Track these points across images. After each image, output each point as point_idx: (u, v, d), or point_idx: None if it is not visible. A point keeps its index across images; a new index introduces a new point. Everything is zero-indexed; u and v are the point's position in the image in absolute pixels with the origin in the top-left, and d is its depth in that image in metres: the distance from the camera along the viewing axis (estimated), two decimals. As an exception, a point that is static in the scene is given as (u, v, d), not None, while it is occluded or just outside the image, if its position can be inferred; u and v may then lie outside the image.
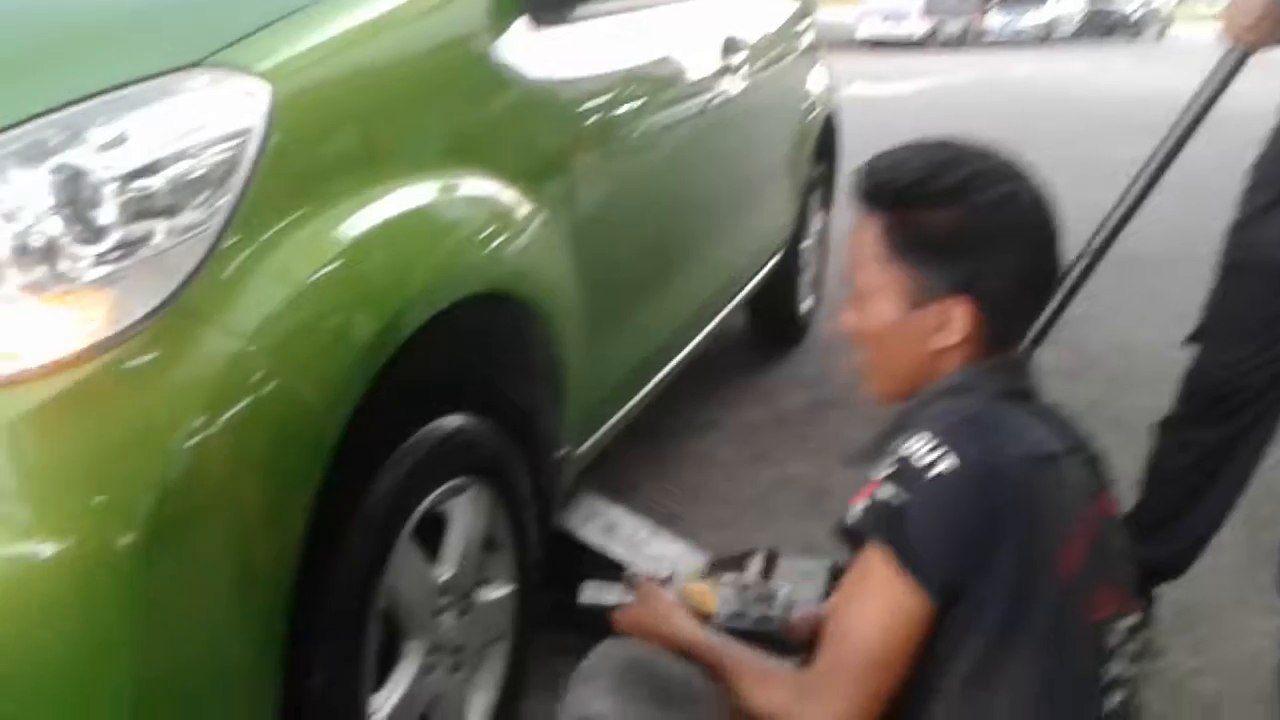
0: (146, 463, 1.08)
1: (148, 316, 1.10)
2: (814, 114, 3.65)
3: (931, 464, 1.06)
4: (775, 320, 3.78)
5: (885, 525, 1.07)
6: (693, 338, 2.69)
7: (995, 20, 27.67)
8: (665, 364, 2.50)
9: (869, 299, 1.19)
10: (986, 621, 1.07)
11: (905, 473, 1.07)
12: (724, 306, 2.95)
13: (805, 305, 3.88)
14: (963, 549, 1.05)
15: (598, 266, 1.92)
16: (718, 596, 1.47)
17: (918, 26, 24.45)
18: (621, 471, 2.73)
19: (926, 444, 1.07)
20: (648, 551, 2.01)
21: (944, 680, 1.09)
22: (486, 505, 1.62)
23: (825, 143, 3.80)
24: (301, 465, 1.23)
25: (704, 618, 1.42)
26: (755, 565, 2.04)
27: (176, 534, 1.10)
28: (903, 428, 1.13)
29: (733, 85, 2.69)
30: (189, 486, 1.10)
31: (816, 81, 3.70)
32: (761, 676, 1.20)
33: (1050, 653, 1.08)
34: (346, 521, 1.34)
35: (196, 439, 1.11)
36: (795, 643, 1.47)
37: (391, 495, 1.39)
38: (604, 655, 1.19)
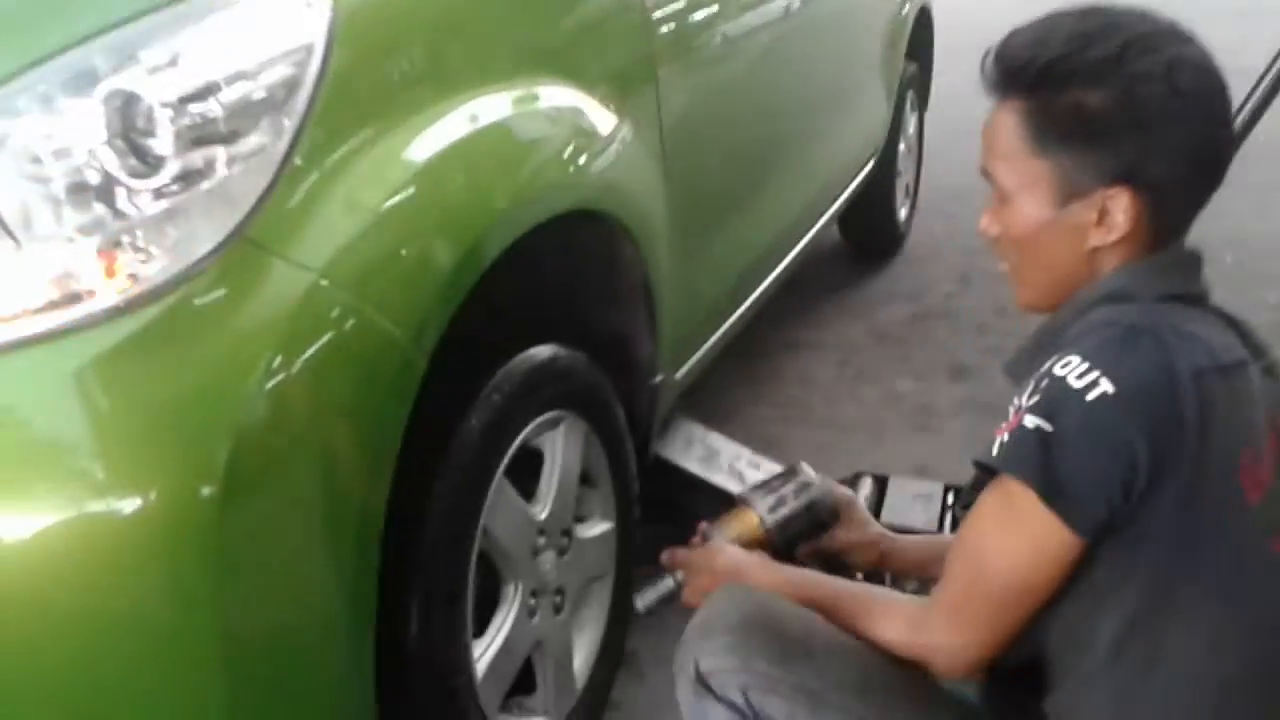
0: (222, 409, 1.01)
1: (213, 252, 1.02)
2: (906, 9, 3.45)
3: (1085, 389, 0.93)
4: (871, 230, 3.63)
5: (1032, 459, 0.94)
6: (789, 251, 2.57)
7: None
8: (762, 281, 2.39)
9: (1012, 198, 1.06)
10: (1152, 556, 0.95)
11: (1055, 399, 0.94)
12: (820, 217, 2.81)
13: (902, 213, 3.71)
14: (1121, 483, 0.93)
15: (687, 180, 1.81)
16: (752, 504, 1.37)
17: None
18: (715, 395, 2.63)
19: (1079, 365, 0.94)
20: (750, 479, 1.92)
21: (1101, 621, 0.98)
22: (581, 438, 1.55)
23: (918, 40, 3.60)
24: (387, 405, 1.16)
25: (757, 542, 1.33)
26: (865, 489, 1.94)
27: (258, 483, 1.04)
28: (1053, 342, 1.01)
29: (822, -21, 2.53)
30: (269, 432, 1.04)
31: (907, -27, 3.49)
32: (870, 608, 1.12)
33: (1232, 589, 0.97)
34: (438, 462, 1.27)
35: (274, 381, 1.04)
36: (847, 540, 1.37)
37: (484, 432, 1.33)
38: (721, 608, 1.09)
